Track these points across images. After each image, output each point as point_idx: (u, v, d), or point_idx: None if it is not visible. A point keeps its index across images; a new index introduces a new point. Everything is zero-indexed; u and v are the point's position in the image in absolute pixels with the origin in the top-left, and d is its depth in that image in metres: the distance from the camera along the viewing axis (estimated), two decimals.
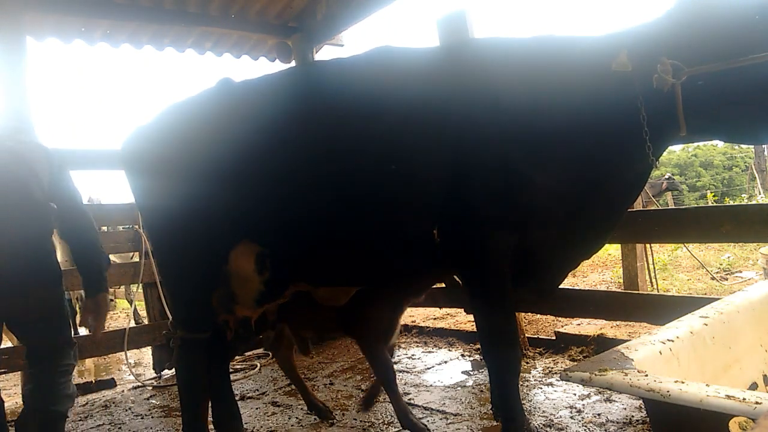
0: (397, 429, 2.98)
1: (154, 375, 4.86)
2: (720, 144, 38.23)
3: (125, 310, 10.09)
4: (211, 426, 2.91)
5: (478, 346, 4.46)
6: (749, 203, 10.10)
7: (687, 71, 1.84)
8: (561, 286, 2.63)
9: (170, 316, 2.98)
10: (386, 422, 3.09)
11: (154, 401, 4.10)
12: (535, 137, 2.08)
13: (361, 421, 3.15)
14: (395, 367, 4.17)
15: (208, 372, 2.85)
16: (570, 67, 2.10)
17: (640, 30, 2.02)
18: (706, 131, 2.01)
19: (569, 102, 2.06)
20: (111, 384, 4.63)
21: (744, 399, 1.31)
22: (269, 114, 2.38)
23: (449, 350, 4.54)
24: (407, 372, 4.06)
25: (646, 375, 1.54)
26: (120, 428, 3.54)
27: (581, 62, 2.09)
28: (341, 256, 2.44)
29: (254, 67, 7.10)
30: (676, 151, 38.04)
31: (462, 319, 5.48)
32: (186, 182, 2.50)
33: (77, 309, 7.99)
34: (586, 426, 2.74)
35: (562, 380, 2.67)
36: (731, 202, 12.48)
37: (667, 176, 12.70)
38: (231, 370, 4.27)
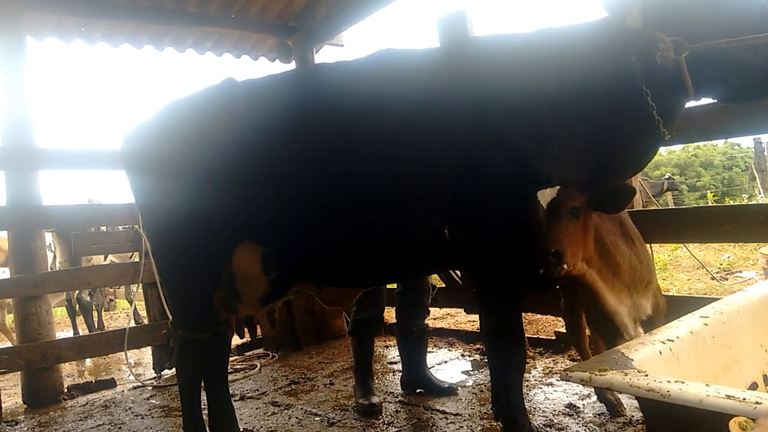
0: (396, 429, 2.98)
1: (154, 375, 4.86)
2: (720, 144, 38.33)
3: (125, 310, 10.10)
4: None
5: (478, 346, 4.47)
6: (749, 203, 10.10)
7: (688, 47, 1.89)
8: None
9: (170, 316, 2.97)
10: (386, 422, 3.09)
11: (154, 401, 4.10)
12: (543, 130, 2.09)
13: (361, 421, 3.15)
14: (395, 367, 4.18)
15: (206, 372, 2.85)
16: (570, 56, 2.11)
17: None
18: (710, 93, 2.08)
19: (573, 90, 2.07)
20: (111, 384, 4.64)
21: (744, 399, 1.31)
22: (273, 114, 2.37)
23: (449, 350, 4.54)
24: None
25: (646, 375, 1.54)
26: (120, 428, 3.54)
27: (580, 49, 2.10)
28: (347, 257, 2.43)
29: (254, 67, 7.12)
30: (676, 151, 38.08)
31: (462, 319, 5.48)
32: (186, 181, 2.49)
33: (77, 308, 8.02)
34: (586, 426, 2.74)
35: (562, 380, 2.67)
36: (731, 202, 12.48)
37: (667, 176, 12.74)
38: (231, 370, 4.28)
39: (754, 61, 1.90)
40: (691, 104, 2.58)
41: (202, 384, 2.88)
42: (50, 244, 7.09)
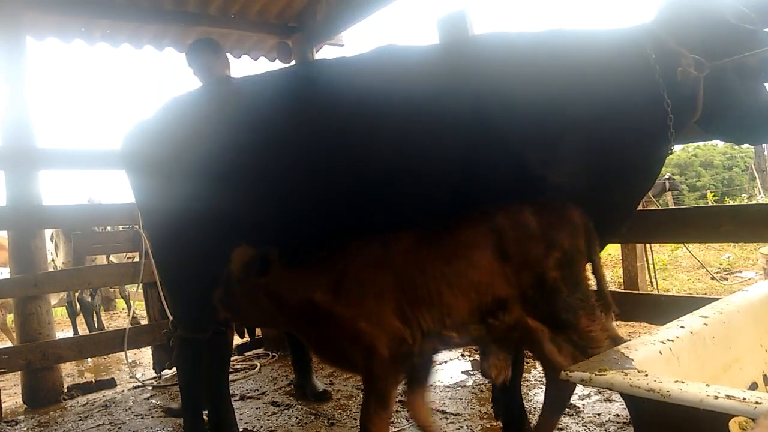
0: (397, 429, 2.98)
1: (154, 375, 4.86)
2: (720, 144, 38.23)
3: (125, 310, 10.10)
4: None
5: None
6: (749, 203, 10.11)
7: (709, 65, 1.91)
8: None
9: (170, 316, 2.97)
10: None
11: (154, 401, 4.10)
12: (549, 135, 2.06)
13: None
14: None
15: (207, 372, 2.85)
16: (585, 61, 2.08)
17: (658, 23, 2.06)
18: (706, 120, 2.08)
19: (585, 97, 2.04)
20: (111, 384, 4.64)
21: (744, 399, 1.31)
22: (270, 112, 2.34)
23: (449, 350, 4.54)
24: None
25: (646, 375, 1.54)
26: (120, 428, 3.54)
27: (596, 56, 2.08)
28: None
29: (254, 67, 7.14)
30: (676, 151, 37.92)
31: None
32: (183, 180, 2.48)
33: (77, 309, 8.02)
34: (586, 426, 2.74)
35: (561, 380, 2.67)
36: (731, 202, 12.48)
37: (667, 176, 12.70)
38: (231, 370, 4.27)
39: (755, 107, 1.95)
40: None
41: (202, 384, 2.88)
42: (50, 241, 7.09)
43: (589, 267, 2.03)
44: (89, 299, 8.00)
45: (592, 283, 2.02)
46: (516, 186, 2.08)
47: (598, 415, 2.85)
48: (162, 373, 4.82)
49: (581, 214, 1.99)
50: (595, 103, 2.04)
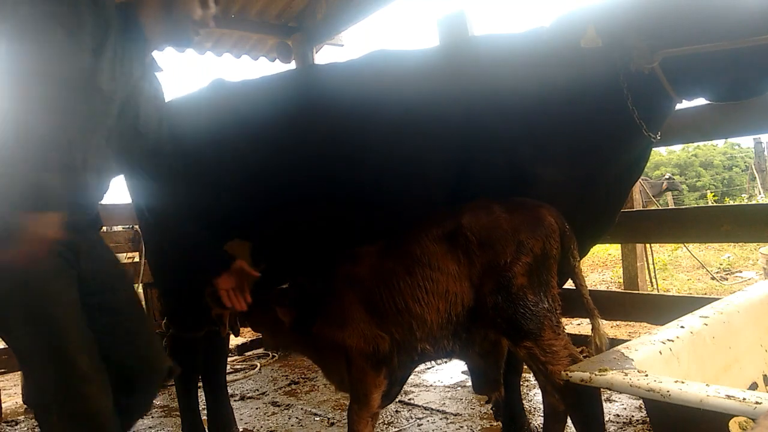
0: (396, 429, 2.98)
1: None
2: (720, 144, 38.31)
3: None
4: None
5: None
6: (749, 203, 10.11)
7: (662, 53, 1.86)
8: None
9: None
10: (386, 422, 3.09)
11: (154, 401, 4.09)
12: (537, 131, 2.07)
13: None
14: None
15: (203, 373, 2.85)
16: (560, 57, 2.08)
17: (613, 10, 2.01)
18: (696, 94, 2.02)
19: (563, 92, 2.04)
20: None
21: (744, 399, 1.31)
22: (262, 116, 2.37)
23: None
24: None
25: (646, 375, 1.54)
26: None
27: (569, 51, 2.06)
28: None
29: (254, 67, 7.13)
30: (676, 151, 38.08)
31: None
32: (177, 180, 2.49)
33: None
34: None
35: (561, 380, 2.67)
36: (731, 202, 12.48)
37: (667, 176, 12.73)
38: (231, 370, 4.28)
39: (729, 66, 1.85)
40: (690, 104, 2.55)
41: (200, 384, 2.88)
42: None
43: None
44: None
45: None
46: (509, 184, 2.08)
47: None
48: None
49: (557, 216, 1.90)
50: (567, 99, 2.03)
